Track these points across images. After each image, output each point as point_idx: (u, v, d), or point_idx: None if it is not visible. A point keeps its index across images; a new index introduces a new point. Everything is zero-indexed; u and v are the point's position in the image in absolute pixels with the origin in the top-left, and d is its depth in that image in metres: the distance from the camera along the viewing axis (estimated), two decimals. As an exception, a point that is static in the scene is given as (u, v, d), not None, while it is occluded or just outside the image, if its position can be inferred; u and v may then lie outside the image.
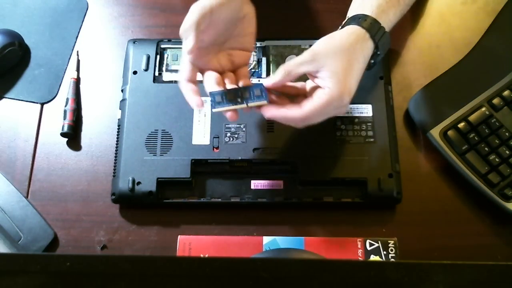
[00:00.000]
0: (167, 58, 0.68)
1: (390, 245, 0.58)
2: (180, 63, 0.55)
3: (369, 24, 0.54)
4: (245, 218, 0.62)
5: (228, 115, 0.54)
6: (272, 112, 0.53)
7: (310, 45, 0.66)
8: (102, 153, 0.66)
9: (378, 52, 0.55)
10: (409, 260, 0.59)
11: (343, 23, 0.57)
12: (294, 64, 0.53)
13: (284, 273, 0.36)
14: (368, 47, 0.54)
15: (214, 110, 0.54)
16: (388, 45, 0.57)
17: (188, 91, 0.53)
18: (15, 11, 0.74)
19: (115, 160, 0.63)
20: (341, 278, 0.35)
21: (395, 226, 0.62)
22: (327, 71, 0.51)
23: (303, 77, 0.54)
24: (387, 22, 0.56)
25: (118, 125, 0.64)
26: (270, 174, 0.62)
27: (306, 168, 0.61)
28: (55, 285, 0.35)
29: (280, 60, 0.67)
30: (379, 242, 0.58)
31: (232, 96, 0.54)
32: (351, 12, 0.57)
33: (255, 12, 0.56)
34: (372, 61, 0.56)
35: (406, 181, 0.62)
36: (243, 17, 0.55)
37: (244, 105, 0.53)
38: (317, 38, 0.65)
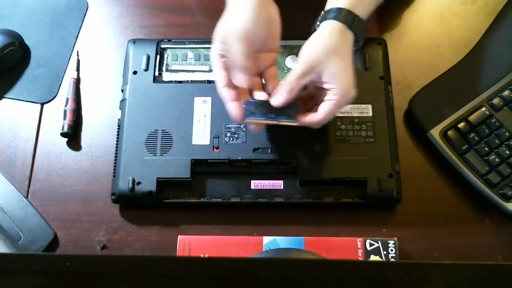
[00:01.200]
0: (167, 58, 0.68)
1: (390, 245, 0.58)
2: (213, 70, 0.56)
3: (344, 17, 0.56)
4: (245, 218, 0.62)
5: (252, 126, 0.57)
6: (299, 121, 0.57)
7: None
8: (102, 153, 0.66)
9: (358, 40, 0.57)
10: (409, 260, 0.59)
11: (320, 17, 0.58)
12: (294, 80, 0.55)
13: (284, 273, 0.36)
14: (349, 37, 0.56)
15: (247, 119, 0.55)
16: (364, 32, 0.58)
17: (227, 98, 0.55)
18: (15, 11, 0.74)
19: (115, 160, 0.63)
20: (341, 278, 0.35)
21: (395, 226, 0.62)
22: (327, 74, 0.54)
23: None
24: (362, 11, 0.57)
25: (118, 125, 0.64)
26: (270, 174, 0.62)
27: (306, 168, 0.61)
28: (55, 285, 0.35)
29: (280, 60, 0.67)
30: (379, 242, 0.58)
31: (266, 110, 0.56)
32: (327, 6, 0.59)
33: (278, 13, 0.56)
34: (355, 48, 0.58)
35: (406, 181, 0.62)
36: (269, 22, 0.56)
37: (275, 122, 0.56)
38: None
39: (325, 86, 0.55)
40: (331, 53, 0.55)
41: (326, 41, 0.55)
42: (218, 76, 0.56)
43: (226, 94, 0.56)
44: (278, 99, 0.56)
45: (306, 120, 0.56)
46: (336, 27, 0.56)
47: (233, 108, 0.55)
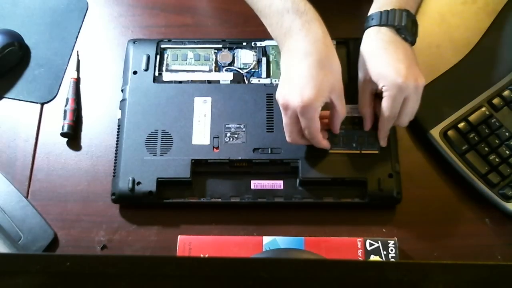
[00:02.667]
0: (167, 58, 0.68)
1: (390, 245, 0.58)
2: (313, 118, 0.55)
3: (372, 20, 0.58)
4: (245, 218, 0.62)
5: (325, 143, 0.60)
6: (381, 136, 0.61)
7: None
8: (102, 153, 0.66)
9: (397, 27, 0.57)
10: (409, 260, 0.59)
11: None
12: (360, 100, 0.61)
13: (284, 273, 0.36)
14: (385, 33, 0.58)
15: (331, 151, 0.61)
16: (402, 19, 0.57)
17: (322, 137, 0.58)
18: (15, 11, 0.74)
19: (115, 160, 0.63)
20: (341, 278, 0.35)
21: (395, 226, 0.62)
22: (373, 76, 0.57)
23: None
24: (393, 2, 0.58)
25: (118, 125, 0.64)
26: (270, 174, 0.62)
27: (306, 168, 0.61)
28: (55, 285, 0.35)
29: (279, 60, 0.67)
30: (379, 242, 0.58)
31: (348, 140, 0.61)
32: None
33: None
34: (403, 36, 0.58)
35: (406, 181, 0.62)
36: None
37: (357, 151, 0.61)
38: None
39: (379, 88, 0.57)
40: (369, 56, 0.58)
41: (362, 48, 0.59)
42: (318, 123, 0.56)
43: (321, 135, 0.58)
44: (366, 125, 0.61)
45: (379, 128, 0.60)
46: (368, 33, 0.59)
47: (327, 143, 0.60)
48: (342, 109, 0.57)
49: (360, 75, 0.60)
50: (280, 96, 0.56)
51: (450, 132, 0.63)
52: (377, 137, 0.61)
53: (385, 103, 0.57)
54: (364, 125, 0.62)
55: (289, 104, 0.55)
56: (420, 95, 0.57)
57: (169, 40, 0.69)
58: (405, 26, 0.57)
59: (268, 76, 0.66)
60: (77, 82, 0.69)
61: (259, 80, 0.66)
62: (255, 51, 0.68)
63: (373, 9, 0.59)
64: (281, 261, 0.42)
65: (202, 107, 0.64)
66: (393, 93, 0.55)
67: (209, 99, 0.64)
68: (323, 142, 0.59)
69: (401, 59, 0.56)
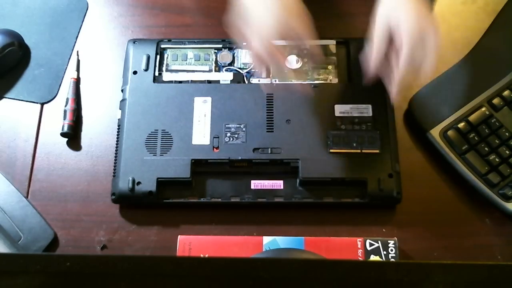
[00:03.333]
0: (167, 58, 0.68)
1: (390, 245, 0.58)
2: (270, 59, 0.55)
3: None
4: (245, 218, 0.62)
5: None
6: (394, 84, 0.57)
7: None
8: (102, 153, 0.66)
9: None
10: (409, 260, 0.59)
11: None
12: (373, 43, 0.57)
13: (284, 273, 0.36)
14: None
15: (331, 150, 0.61)
16: None
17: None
18: (15, 11, 0.74)
19: (115, 160, 0.63)
20: (341, 278, 0.35)
21: (395, 226, 0.62)
22: (392, 21, 0.55)
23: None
24: None
25: (118, 125, 0.64)
26: (270, 174, 0.62)
27: (306, 168, 0.61)
28: (55, 285, 0.35)
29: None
30: (379, 242, 0.58)
31: (348, 140, 0.61)
32: None
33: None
34: None
35: (406, 181, 0.62)
36: None
37: (358, 150, 0.61)
38: (316, 38, 0.65)
39: (398, 35, 0.55)
40: (390, 3, 0.56)
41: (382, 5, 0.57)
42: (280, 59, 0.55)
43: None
44: (394, 95, 0.58)
45: (394, 78, 0.56)
46: None
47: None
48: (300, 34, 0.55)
49: (379, 16, 0.57)
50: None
51: (450, 132, 0.63)
52: (389, 89, 0.58)
53: (405, 49, 0.54)
54: (366, 71, 0.59)
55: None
56: (438, 45, 0.55)
57: (169, 40, 0.69)
58: None
59: (268, 76, 0.66)
60: (77, 82, 0.69)
61: (259, 80, 0.66)
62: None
63: None
64: (281, 261, 0.42)
65: (202, 107, 0.64)
66: (413, 39, 0.53)
67: (209, 99, 0.64)
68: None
69: (421, 8, 0.55)
